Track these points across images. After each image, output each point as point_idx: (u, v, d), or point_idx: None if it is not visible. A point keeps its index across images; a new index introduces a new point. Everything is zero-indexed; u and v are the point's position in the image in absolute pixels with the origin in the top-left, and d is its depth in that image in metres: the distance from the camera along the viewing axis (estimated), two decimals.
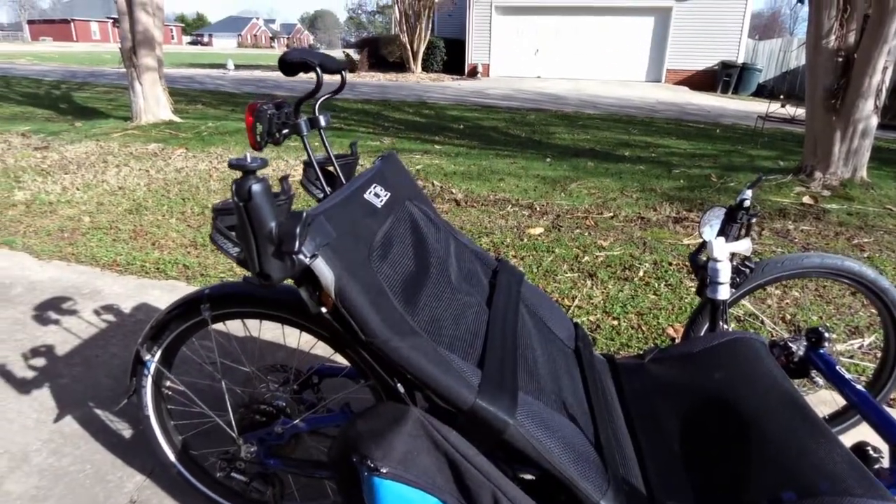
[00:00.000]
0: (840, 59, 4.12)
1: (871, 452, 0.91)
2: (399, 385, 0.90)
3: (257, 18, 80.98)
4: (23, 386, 1.74)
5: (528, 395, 0.90)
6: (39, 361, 1.86)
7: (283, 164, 4.72)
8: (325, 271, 0.79)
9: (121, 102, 8.29)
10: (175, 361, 1.22)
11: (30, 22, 62.11)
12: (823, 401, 1.69)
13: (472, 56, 17.87)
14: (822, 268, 1.39)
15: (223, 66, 18.96)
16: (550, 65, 17.65)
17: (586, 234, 3.16)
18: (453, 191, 4.01)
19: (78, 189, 3.81)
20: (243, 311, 1.09)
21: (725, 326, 1.34)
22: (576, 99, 11.53)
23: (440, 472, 0.81)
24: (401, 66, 18.20)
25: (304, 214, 0.77)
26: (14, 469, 1.42)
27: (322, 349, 1.73)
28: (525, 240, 3.05)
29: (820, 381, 1.18)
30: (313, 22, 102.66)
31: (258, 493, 1.14)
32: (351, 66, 18.33)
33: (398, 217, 1.07)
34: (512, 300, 1.15)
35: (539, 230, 3.20)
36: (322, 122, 1.11)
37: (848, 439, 1.18)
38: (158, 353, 1.16)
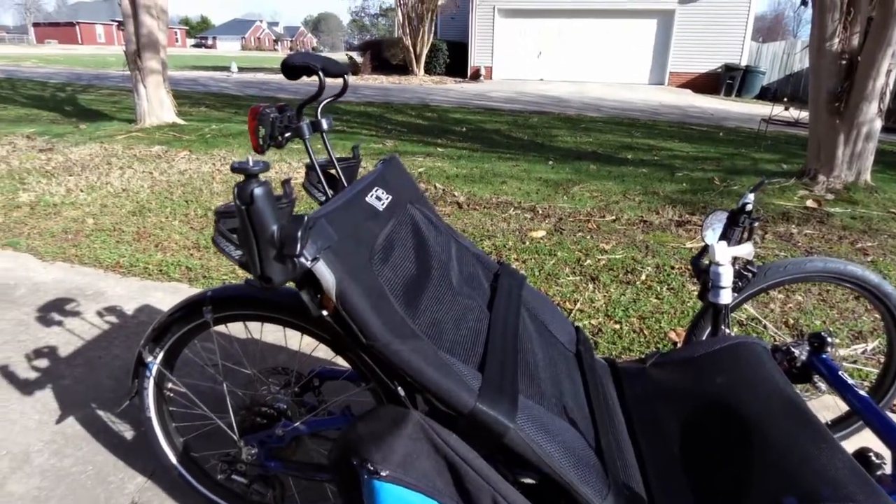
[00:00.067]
0: (844, 62, 4.12)
1: (874, 459, 0.91)
2: (399, 388, 0.90)
3: (261, 21, 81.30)
4: (25, 387, 1.74)
5: (528, 399, 0.90)
6: (42, 362, 1.87)
7: (286, 167, 4.73)
8: (326, 274, 0.79)
9: (125, 105, 8.33)
10: (177, 363, 1.23)
11: (35, 25, 62.47)
12: (826, 406, 1.68)
13: (475, 59, 17.90)
14: (825, 272, 1.38)
15: (227, 68, 19.03)
16: (553, 67, 17.66)
17: (588, 237, 3.16)
18: (455, 193, 4.01)
19: (82, 191, 3.83)
20: (245, 314, 1.09)
21: (728, 331, 1.34)
22: (579, 102, 11.53)
23: (440, 475, 0.81)
24: (404, 69, 18.24)
25: (306, 218, 0.77)
26: (16, 470, 1.42)
27: (323, 352, 1.74)
28: (527, 243, 3.05)
29: (822, 386, 1.18)
30: (317, 25, 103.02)
31: (259, 495, 1.14)
32: (354, 68, 18.39)
33: (400, 220, 1.07)
34: (513, 304, 1.15)
35: (541, 233, 3.20)
36: (324, 125, 1.11)
37: (850, 445, 1.17)
38: (160, 355, 1.16)
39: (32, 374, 1.81)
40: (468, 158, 5.30)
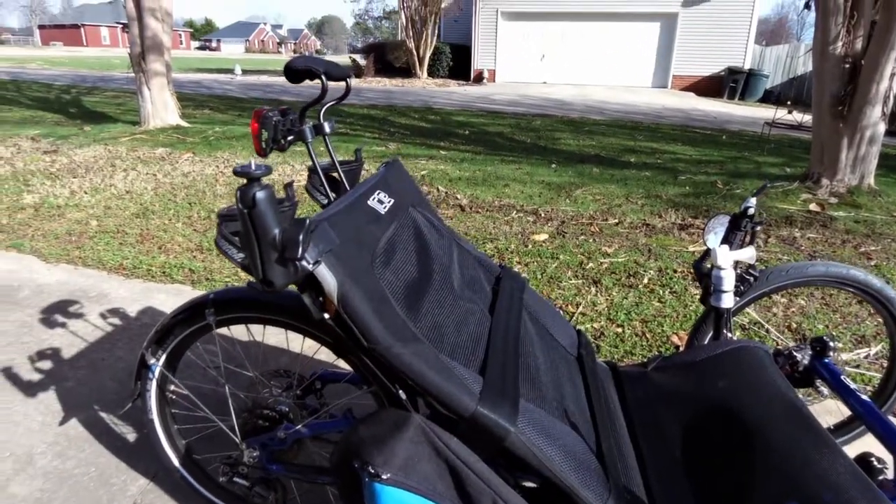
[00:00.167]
0: (847, 66, 4.11)
1: (876, 463, 0.90)
2: (401, 391, 0.91)
3: (265, 24, 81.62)
4: (29, 388, 1.75)
5: (529, 403, 0.90)
6: (45, 364, 1.88)
7: (289, 169, 4.75)
8: (327, 277, 0.80)
9: (129, 107, 8.37)
10: (179, 366, 1.23)
11: (40, 27, 62.83)
12: (829, 410, 1.67)
13: (478, 62, 17.93)
14: (828, 276, 1.38)
15: (231, 71, 19.09)
16: (556, 70, 17.68)
17: (591, 240, 3.16)
18: (458, 196, 4.01)
19: (86, 193, 3.85)
20: (247, 317, 1.09)
21: (729, 335, 1.34)
22: (581, 104, 11.53)
23: (441, 478, 0.81)
24: (407, 72, 18.28)
25: (308, 221, 0.77)
26: (19, 471, 1.43)
27: (325, 354, 1.74)
28: (529, 246, 3.05)
29: (825, 390, 1.17)
30: (320, 27, 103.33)
31: (261, 498, 1.14)
32: (357, 71, 18.43)
33: (401, 223, 1.07)
34: (514, 307, 1.15)
35: (544, 236, 3.20)
36: (327, 128, 1.12)
37: (853, 450, 1.17)
38: (163, 358, 1.17)
39: (36, 376, 1.81)
40: (471, 161, 5.31)
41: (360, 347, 0.85)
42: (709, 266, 1.32)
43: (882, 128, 4.17)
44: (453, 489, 0.81)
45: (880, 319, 1.93)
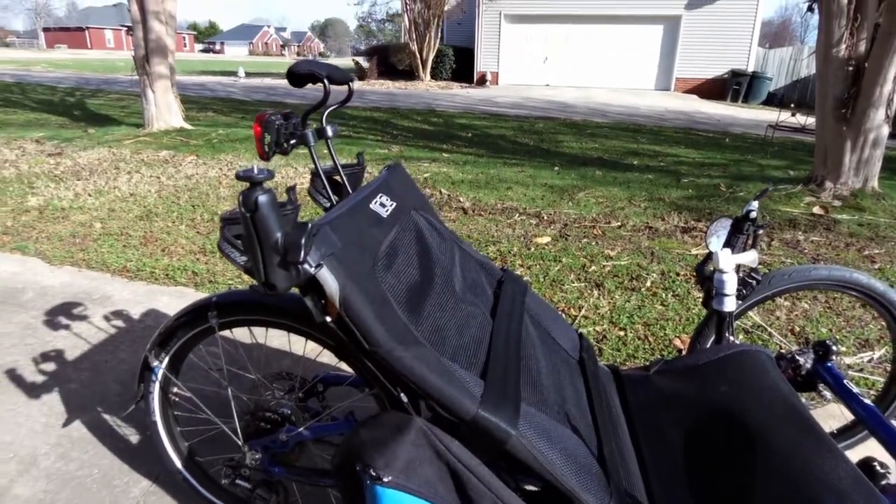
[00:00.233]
0: (850, 69, 4.10)
1: (878, 468, 0.90)
2: (402, 394, 0.91)
3: (268, 26, 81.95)
4: (32, 390, 1.76)
5: (530, 407, 0.90)
6: (49, 366, 1.89)
7: (292, 172, 4.76)
8: (329, 281, 0.80)
9: (133, 109, 8.41)
10: (182, 368, 1.24)
11: (45, 29, 63.17)
12: (832, 415, 1.67)
13: (481, 64, 17.95)
14: (830, 280, 1.38)
15: (234, 73, 19.16)
16: (559, 73, 17.68)
17: (594, 243, 3.16)
18: (461, 199, 4.02)
19: (90, 195, 3.86)
20: (250, 319, 1.10)
21: (732, 338, 1.34)
22: (584, 107, 11.54)
23: (442, 481, 0.81)
24: (410, 74, 18.31)
25: (310, 225, 0.78)
26: (23, 473, 1.43)
27: (327, 357, 1.74)
28: (532, 249, 3.05)
29: (828, 394, 1.17)
30: (324, 30, 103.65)
31: (262, 500, 1.14)
32: (360, 73, 18.48)
33: (403, 227, 1.08)
34: (516, 310, 1.16)
35: (546, 239, 3.20)
36: (329, 132, 1.12)
37: (856, 454, 1.17)
38: (166, 360, 1.17)
39: (39, 378, 1.82)
40: (473, 164, 5.31)
41: (361, 350, 0.85)
42: (711, 269, 1.32)
43: (886, 131, 4.16)
44: (454, 492, 0.81)
45: (884, 323, 1.92)
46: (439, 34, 18.01)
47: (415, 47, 17.66)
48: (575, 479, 0.85)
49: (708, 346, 1.42)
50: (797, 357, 1.19)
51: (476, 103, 11.80)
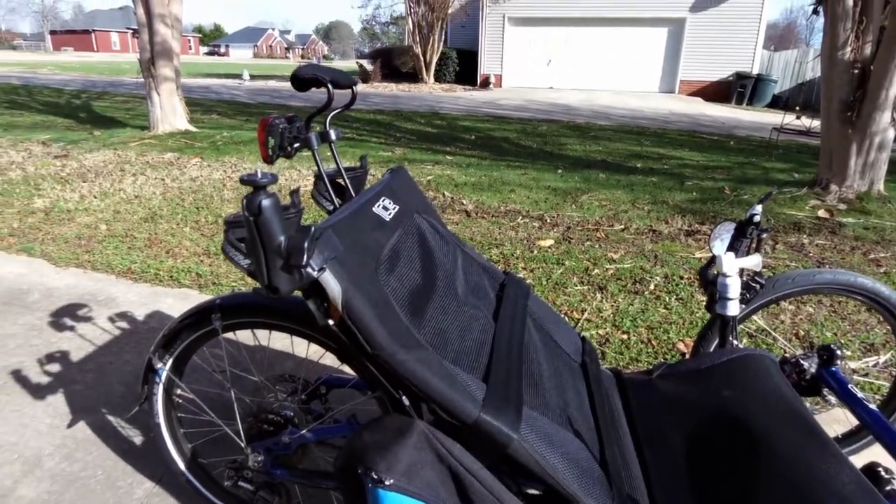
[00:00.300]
0: (856, 71, 4.09)
1: (883, 473, 0.90)
2: (404, 397, 0.91)
3: (273, 29, 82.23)
4: (37, 391, 1.77)
5: (532, 410, 0.90)
6: (54, 367, 1.89)
7: (296, 174, 4.77)
8: (332, 284, 0.80)
9: (139, 112, 8.45)
10: (186, 370, 1.24)
11: (52, 32, 63.59)
12: (837, 419, 1.66)
13: (485, 67, 17.97)
14: (835, 284, 1.37)
15: (239, 76, 19.24)
16: (563, 75, 17.68)
17: (597, 246, 3.16)
18: (464, 202, 4.02)
19: (95, 197, 3.89)
20: (253, 321, 1.10)
21: (735, 342, 1.33)
22: (588, 110, 11.53)
23: (443, 484, 0.81)
24: (413, 77, 18.35)
25: (313, 229, 0.78)
26: (27, 473, 1.44)
27: (330, 359, 1.75)
28: (535, 252, 3.05)
29: (832, 399, 1.17)
30: (328, 33, 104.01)
31: (265, 502, 1.14)
32: (364, 76, 18.52)
33: (406, 230, 1.08)
34: (518, 314, 1.16)
35: (549, 242, 3.20)
36: (332, 136, 1.13)
37: (861, 459, 1.16)
38: (170, 362, 1.18)
39: (44, 379, 1.83)
40: (477, 167, 5.32)
41: (364, 353, 0.85)
42: (714, 273, 1.32)
43: (892, 134, 4.14)
44: (456, 496, 0.81)
45: (889, 327, 1.91)
46: (443, 37, 18.05)
47: (418, 50, 17.70)
48: (577, 484, 0.85)
49: (711, 349, 1.41)
50: (801, 361, 1.18)
51: (479, 106, 11.81)
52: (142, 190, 4.10)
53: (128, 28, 56.92)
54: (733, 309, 1.29)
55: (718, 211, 3.98)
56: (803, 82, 15.61)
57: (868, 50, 4.04)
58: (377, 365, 0.91)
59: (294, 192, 0.87)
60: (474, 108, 11.38)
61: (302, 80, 1.02)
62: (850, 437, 1.49)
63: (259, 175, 0.75)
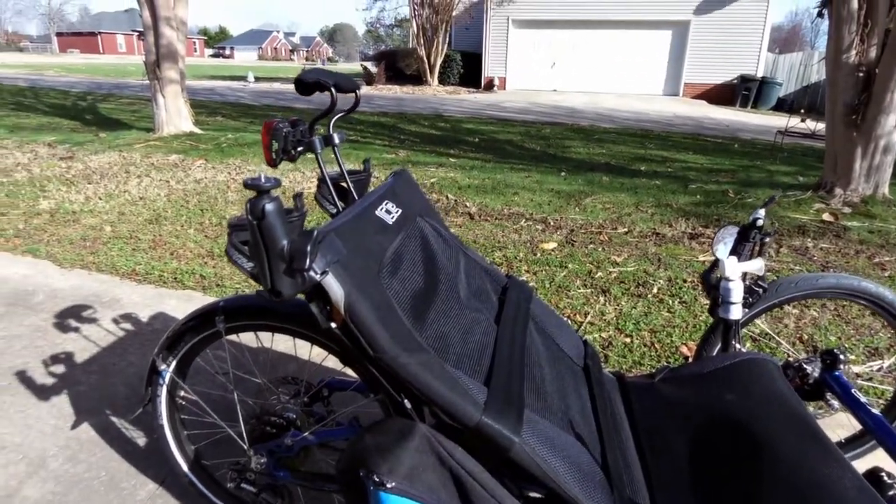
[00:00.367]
0: (861, 75, 4.08)
1: (886, 478, 0.89)
2: (406, 401, 0.91)
3: (278, 32, 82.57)
4: (42, 392, 1.78)
5: (534, 414, 0.90)
6: (59, 368, 1.91)
7: (300, 176, 4.79)
8: (335, 288, 0.81)
9: (144, 114, 8.49)
10: (189, 372, 1.25)
11: (58, 34, 63.98)
12: (840, 424, 1.65)
13: (489, 69, 18.00)
14: (838, 288, 1.37)
15: (243, 78, 19.32)
16: (567, 78, 17.69)
17: (600, 249, 3.15)
18: (467, 204, 4.02)
19: (100, 199, 3.91)
20: (256, 324, 1.11)
21: (738, 346, 1.33)
22: (592, 113, 11.53)
23: (445, 488, 0.81)
24: (418, 79, 18.38)
25: (315, 233, 0.78)
26: (32, 474, 1.45)
27: (333, 362, 1.75)
28: (538, 254, 3.05)
29: (835, 403, 1.16)
30: (332, 35, 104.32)
31: None
32: (368, 78, 18.57)
33: (409, 234, 1.08)
34: (521, 317, 1.16)
35: (552, 245, 3.20)
36: (336, 139, 1.13)
37: (865, 464, 1.16)
38: (173, 364, 1.19)
39: (49, 380, 1.84)
40: (480, 169, 5.32)
41: (366, 356, 0.85)
42: (717, 277, 1.32)
43: None
44: (457, 499, 0.81)
45: (893, 332, 1.91)
46: (447, 39, 18.08)
47: (423, 52, 17.74)
48: (578, 487, 0.85)
49: (714, 353, 1.41)
50: (804, 365, 1.18)
51: (483, 108, 11.82)
52: (146, 192, 4.12)
53: (133, 30, 57.25)
54: (736, 313, 1.29)
55: (722, 214, 3.97)
56: (808, 85, 15.56)
57: (873, 53, 4.03)
58: (379, 368, 0.92)
59: (297, 196, 0.88)
60: (478, 110, 11.40)
61: (306, 84, 1.03)
62: (853, 442, 1.49)
63: (262, 179, 0.76)
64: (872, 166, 4.21)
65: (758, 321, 2.13)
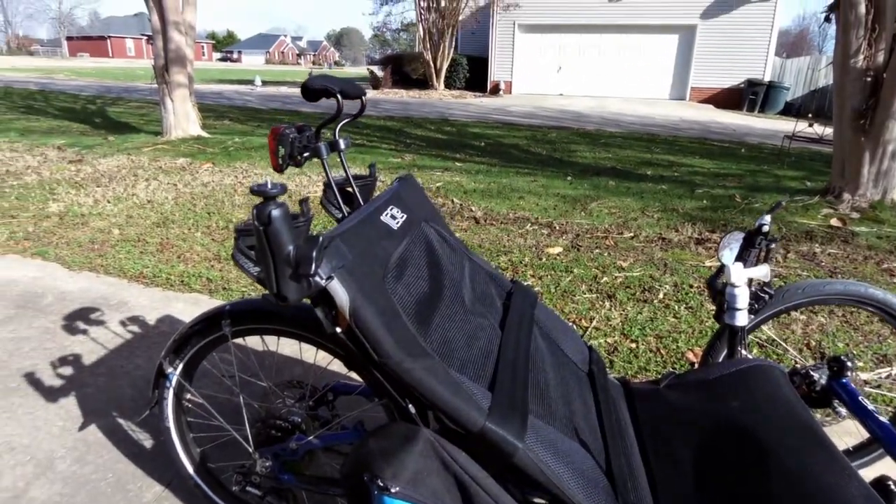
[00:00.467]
0: (869, 79, 4.06)
1: (893, 487, 0.89)
2: (410, 405, 0.91)
3: (285, 36, 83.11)
4: (50, 394, 1.79)
5: (538, 419, 0.91)
6: (67, 370, 1.92)
7: (306, 180, 4.81)
8: (340, 293, 0.81)
9: (152, 117, 8.56)
10: (195, 375, 1.26)
11: (68, 38, 64.65)
12: (848, 431, 1.64)
13: (495, 73, 18.02)
14: (845, 295, 1.36)
15: (251, 82, 19.43)
16: (573, 82, 17.69)
17: (606, 254, 3.15)
18: (473, 208, 4.03)
19: (109, 202, 3.94)
20: (262, 328, 1.11)
21: (744, 353, 1.33)
22: (598, 117, 11.52)
23: (449, 493, 0.81)
24: (424, 83, 18.44)
25: (321, 238, 0.79)
26: (39, 475, 1.46)
27: (338, 366, 1.75)
28: (543, 259, 3.04)
29: (843, 411, 1.15)
30: (339, 39, 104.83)
31: None
32: (375, 82, 18.64)
33: (413, 239, 1.09)
34: (525, 322, 1.16)
35: (558, 249, 3.20)
36: (342, 145, 1.14)
37: (872, 472, 1.15)
38: (180, 367, 1.19)
39: (57, 382, 1.86)
40: (486, 173, 5.33)
41: (371, 361, 0.86)
42: (723, 283, 1.32)
43: None
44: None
45: None
46: (453, 44, 18.13)
47: (429, 56, 17.80)
48: (582, 494, 0.85)
49: (720, 360, 1.41)
50: (811, 372, 1.17)
51: (489, 112, 11.84)
52: (154, 195, 4.15)
53: (143, 34, 57.70)
54: (742, 319, 1.28)
55: (729, 219, 3.96)
56: (816, 89, 15.49)
57: (881, 58, 4.01)
58: (384, 373, 0.92)
59: (304, 201, 0.88)
60: (484, 114, 11.41)
61: (312, 90, 1.04)
62: (860, 450, 1.47)
63: (269, 185, 0.77)
64: (881, 171, 4.18)
65: (764, 327, 2.12)
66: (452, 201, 4.21)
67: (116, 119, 8.63)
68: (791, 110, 14.92)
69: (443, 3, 17.09)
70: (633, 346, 2.15)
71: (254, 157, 5.71)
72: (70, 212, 3.68)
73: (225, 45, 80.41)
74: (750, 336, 1.94)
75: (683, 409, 1.13)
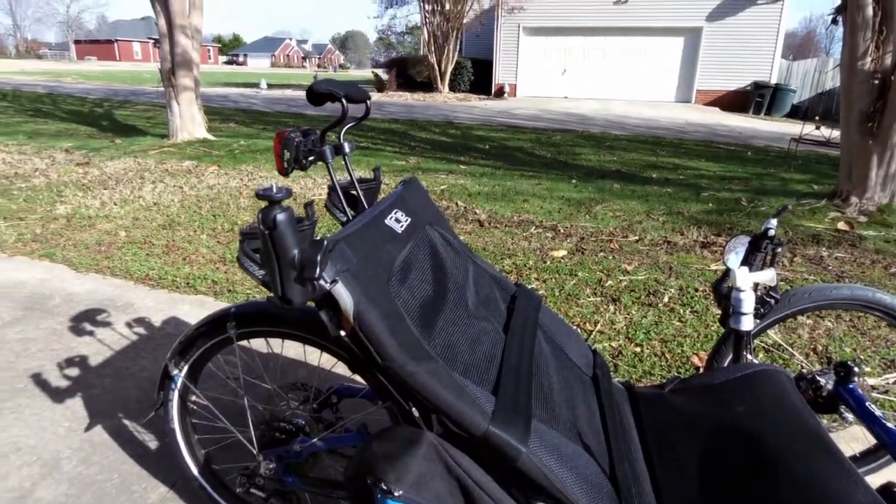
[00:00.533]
0: (876, 82, 4.04)
1: None
2: (414, 409, 0.91)
3: (290, 39, 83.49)
4: (57, 395, 1.80)
5: (542, 424, 0.90)
6: (73, 371, 1.93)
7: (311, 183, 4.83)
8: (344, 296, 0.82)
9: (159, 120, 8.61)
10: (200, 377, 1.26)
11: (76, 42, 65.15)
12: (855, 437, 1.63)
13: (500, 76, 18.03)
14: (852, 300, 1.35)
15: (256, 85, 19.52)
16: (578, 85, 17.67)
17: (610, 257, 3.14)
18: (477, 211, 4.03)
19: (115, 204, 3.96)
20: (266, 330, 1.12)
21: (750, 357, 1.32)
22: (603, 120, 11.50)
23: (452, 496, 0.81)
24: (428, 86, 18.47)
25: (325, 242, 0.79)
26: (45, 476, 1.47)
27: (342, 369, 1.76)
28: (548, 262, 3.04)
29: (849, 417, 1.15)
30: (344, 42, 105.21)
31: None
32: (379, 85, 18.69)
33: (418, 242, 1.09)
34: (529, 326, 1.16)
35: (562, 253, 3.19)
36: (346, 149, 1.15)
37: (880, 478, 1.14)
38: (185, 369, 1.20)
39: (64, 383, 1.87)
40: (490, 176, 5.33)
41: (374, 364, 0.86)
42: (728, 287, 1.31)
43: None
44: None
45: None
46: (458, 46, 18.16)
47: (433, 59, 17.83)
48: (586, 498, 0.84)
49: (725, 364, 1.40)
50: (818, 377, 1.16)
51: (494, 115, 11.84)
52: (160, 197, 4.17)
53: (149, 38, 58.10)
54: (747, 324, 1.28)
55: (735, 222, 3.94)
56: (823, 92, 15.41)
57: (888, 60, 3.98)
58: (388, 376, 0.92)
59: (308, 205, 0.89)
60: (489, 117, 11.42)
61: (317, 94, 1.04)
62: (867, 456, 1.46)
63: (274, 189, 0.77)
64: (889, 174, 4.16)
65: (770, 332, 2.11)
66: (457, 204, 4.21)
67: (123, 122, 8.69)
68: (798, 113, 14.84)
69: (447, 6, 17.13)
70: (638, 350, 2.15)
71: (259, 160, 5.74)
72: (77, 214, 3.70)
73: (231, 48, 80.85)
74: (756, 340, 1.93)
75: (688, 414, 1.13)
